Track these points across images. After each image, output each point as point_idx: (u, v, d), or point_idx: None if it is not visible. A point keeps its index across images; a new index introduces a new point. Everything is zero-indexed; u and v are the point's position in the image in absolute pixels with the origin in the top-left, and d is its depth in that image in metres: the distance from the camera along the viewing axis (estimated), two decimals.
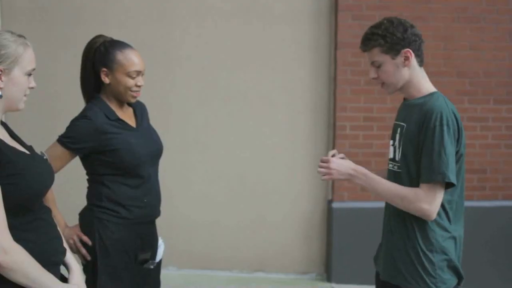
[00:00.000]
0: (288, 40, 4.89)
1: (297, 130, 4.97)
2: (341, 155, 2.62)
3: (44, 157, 2.19)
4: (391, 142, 2.60)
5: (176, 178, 4.79)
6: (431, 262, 2.45)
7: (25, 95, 2.06)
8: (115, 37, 2.87)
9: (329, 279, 4.93)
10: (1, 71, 1.97)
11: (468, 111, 4.85)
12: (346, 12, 4.74)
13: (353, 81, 4.79)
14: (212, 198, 5.00)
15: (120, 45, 2.76)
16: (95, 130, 2.68)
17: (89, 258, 2.73)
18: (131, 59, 2.72)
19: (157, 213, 2.88)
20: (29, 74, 2.06)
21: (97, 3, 4.89)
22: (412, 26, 2.49)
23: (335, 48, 4.81)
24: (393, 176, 2.55)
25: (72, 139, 2.68)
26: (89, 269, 2.75)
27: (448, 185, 2.41)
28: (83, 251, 2.72)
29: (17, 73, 2.01)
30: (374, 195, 2.63)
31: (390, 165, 2.59)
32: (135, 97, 2.78)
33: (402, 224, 2.49)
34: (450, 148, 2.37)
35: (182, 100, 4.94)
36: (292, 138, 4.98)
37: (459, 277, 2.51)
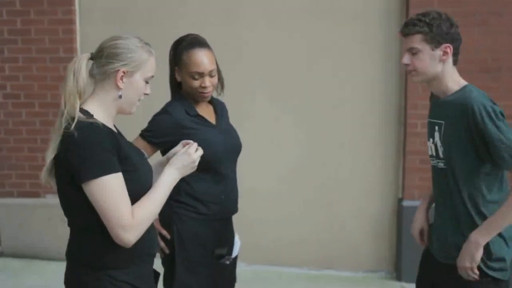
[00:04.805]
0: (359, 38, 4.86)
1: (367, 128, 4.95)
2: None
3: (145, 156, 2.28)
4: (430, 140, 2.59)
5: (245, 174, 4.84)
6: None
7: (138, 100, 2.15)
8: None
9: (398, 277, 4.89)
10: (124, 73, 2.06)
11: None
12: (418, 9, 4.60)
13: None
14: (282, 195, 5.03)
15: (190, 45, 2.77)
16: (175, 125, 2.74)
17: (167, 251, 2.80)
18: (195, 60, 2.73)
19: (234, 210, 2.93)
20: (147, 82, 2.14)
21: (169, 4, 5.00)
22: (457, 26, 2.49)
23: None
24: (438, 173, 2.56)
25: (153, 133, 2.76)
26: (167, 262, 2.83)
27: None
28: (162, 244, 2.79)
29: (138, 78, 2.10)
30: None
31: (434, 162, 2.59)
32: (203, 97, 2.81)
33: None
34: (507, 131, 2.35)
35: (252, 98, 4.99)
36: (362, 136, 4.95)
37: None
